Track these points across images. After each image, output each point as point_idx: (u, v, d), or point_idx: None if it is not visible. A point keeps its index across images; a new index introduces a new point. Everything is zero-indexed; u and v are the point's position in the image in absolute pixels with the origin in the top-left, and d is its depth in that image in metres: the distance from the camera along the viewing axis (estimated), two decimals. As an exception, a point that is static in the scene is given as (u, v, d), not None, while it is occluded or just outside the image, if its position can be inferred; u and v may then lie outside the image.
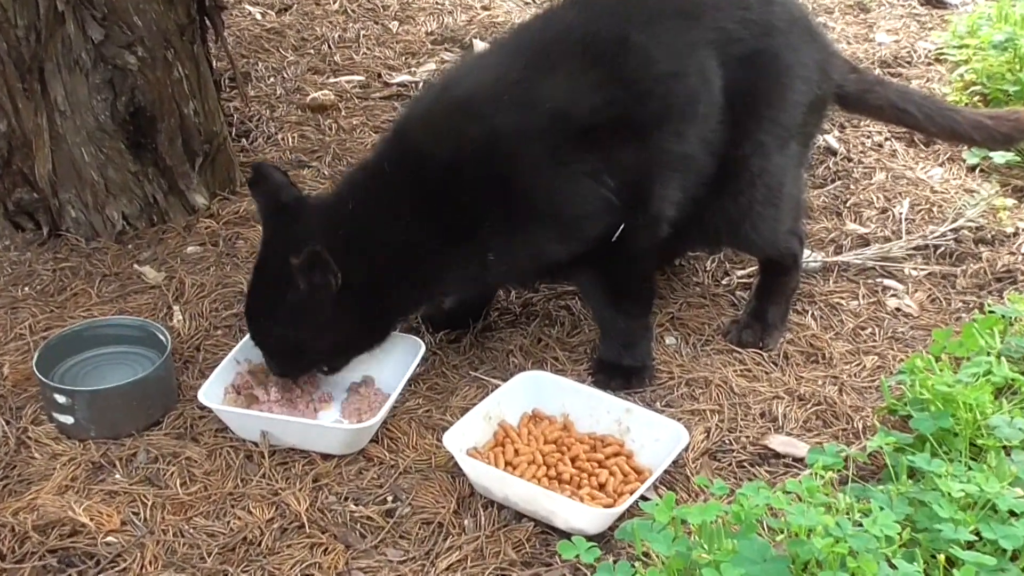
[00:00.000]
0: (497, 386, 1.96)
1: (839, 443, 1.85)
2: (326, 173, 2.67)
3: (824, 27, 2.98)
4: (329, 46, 3.32)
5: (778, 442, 1.91)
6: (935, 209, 2.52)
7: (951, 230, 2.44)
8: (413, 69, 3.19)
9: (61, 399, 1.90)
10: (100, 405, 1.90)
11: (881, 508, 1.54)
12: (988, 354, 1.93)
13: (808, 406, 1.99)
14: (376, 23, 3.47)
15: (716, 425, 1.94)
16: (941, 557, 1.49)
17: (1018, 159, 2.64)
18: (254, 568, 1.68)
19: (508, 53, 1.98)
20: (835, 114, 2.69)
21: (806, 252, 2.27)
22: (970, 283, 2.31)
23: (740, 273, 2.34)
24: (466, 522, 1.76)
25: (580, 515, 1.69)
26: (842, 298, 2.27)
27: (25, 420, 1.96)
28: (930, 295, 2.29)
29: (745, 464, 1.87)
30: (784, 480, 1.78)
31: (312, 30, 3.41)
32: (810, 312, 2.23)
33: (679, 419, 1.91)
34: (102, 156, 2.41)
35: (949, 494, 1.58)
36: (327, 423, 1.94)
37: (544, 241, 1.91)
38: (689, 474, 1.83)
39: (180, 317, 2.22)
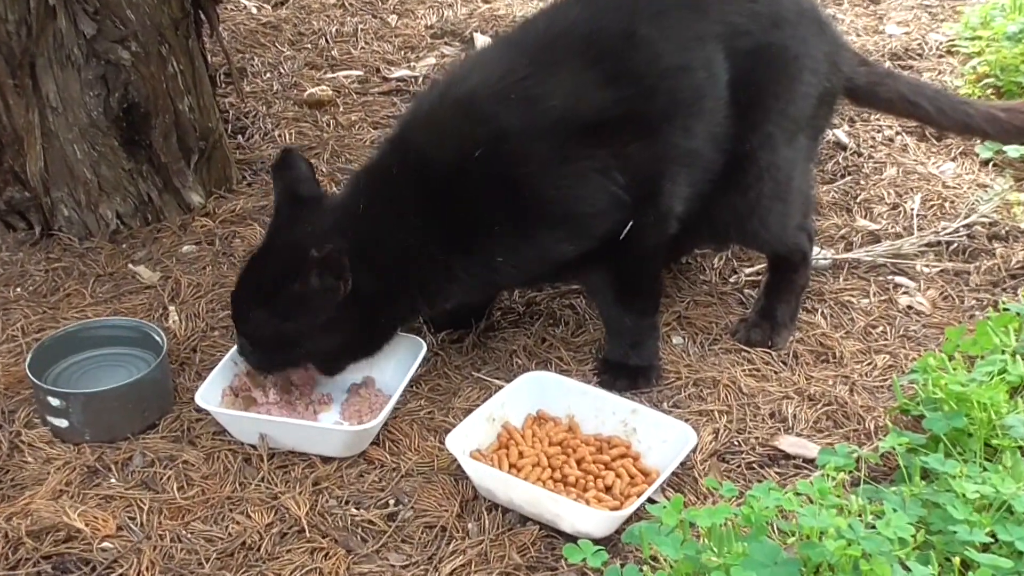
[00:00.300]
0: (500, 387, 1.94)
1: (850, 444, 1.83)
2: (324, 170, 2.64)
3: (833, 19, 2.95)
4: (326, 40, 3.30)
5: (788, 443, 1.88)
6: (947, 205, 2.50)
7: (964, 226, 2.42)
8: (412, 64, 3.16)
9: (55, 402, 1.87)
10: (95, 408, 1.88)
11: (894, 510, 1.52)
12: (1003, 352, 1.91)
13: (818, 406, 1.96)
14: (374, 17, 3.45)
15: (724, 426, 1.92)
16: (956, 560, 1.47)
17: (1032, 153, 2.61)
18: (253, 573, 1.66)
19: (513, 49, 1.96)
20: (845, 108, 2.68)
21: (815, 249, 2.25)
22: (984, 280, 2.28)
23: (748, 271, 2.31)
24: (470, 526, 1.73)
25: (586, 518, 1.67)
26: (852, 296, 2.24)
27: (18, 423, 1.94)
28: (943, 292, 2.26)
29: (754, 465, 1.85)
30: (794, 482, 1.76)
31: (309, 24, 3.39)
32: (820, 310, 2.20)
33: (686, 420, 1.88)
34: (95, 153, 2.39)
35: (964, 495, 1.57)
36: (327, 425, 1.91)
37: (553, 240, 1.89)
38: (697, 476, 1.81)
39: (176, 318, 2.19)
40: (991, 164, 2.64)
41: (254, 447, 1.87)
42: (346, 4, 3.50)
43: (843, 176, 2.63)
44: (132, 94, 2.36)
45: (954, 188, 2.55)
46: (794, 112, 2.00)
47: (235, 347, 1.98)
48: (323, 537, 1.71)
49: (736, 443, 1.89)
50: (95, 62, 2.32)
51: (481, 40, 3.25)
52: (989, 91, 2.88)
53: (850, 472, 1.64)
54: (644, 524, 1.56)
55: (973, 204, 2.48)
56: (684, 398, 1.99)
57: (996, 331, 1.96)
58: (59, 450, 1.88)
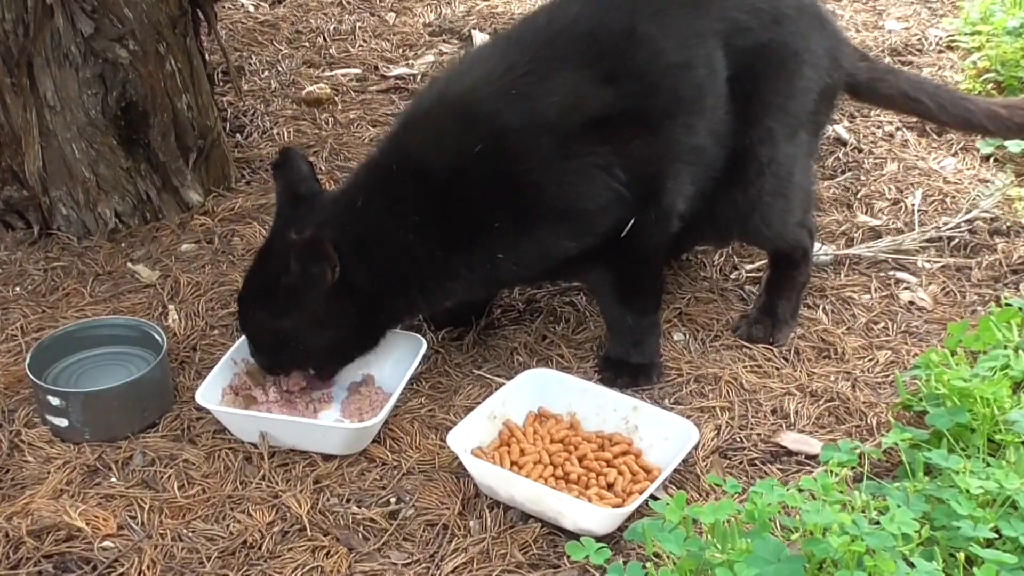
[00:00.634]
0: (501, 384, 1.94)
1: (852, 440, 1.82)
2: (323, 168, 2.63)
3: (832, 15, 2.94)
4: (324, 38, 3.29)
5: (790, 439, 1.88)
6: (948, 200, 2.49)
7: (965, 221, 2.41)
8: (411, 61, 3.16)
9: (55, 401, 1.87)
10: (95, 407, 1.87)
11: (898, 506, 1.51)
12: (1005, 348, 1.91)
13: (820, 402, 1.96)
14: (372, 15, 3.44)
15: (726, 422, 1.91)
16: (961, 555, 1.47)
17: (1033, 148, 2.61)
18: (255, 572, 1.65)
19: (513, 46, 1.95)
20: (845, 104, 2.67)
21: (816, 245, 2.24)
22: (985, 275, 2.28)
23: (749, 267, 2.31)
24: (471, 523, 1.72)
25: (588, 515, 1.66)
26: (854, 292, 2.24)
27: (18, 423, 1.93)
28: (944, 288, 2.25)
29: (756, 462, 1.84)
30: (796, 478, 1.76)
31: (307, 22, 3.38)
32: (821, 306, 2.20)
33: (688, 416, 1.88)
34: (93, 152, 2.38)
35: (967, 491, 1.56)
36: (328, 423, 1.91)
37: (555, 238, 1.88)
38: (699, 473, 1.80)
39: (176, 316, 2.18)
40: (992, 159, 2.64)
41: (255, 445, 1.87)
42: (344, 2, 3.50)
43: (844, 172, 2.62)
44: (130, 93, 2.36)
45: (955, 183, 2.55)
46: (795, 108, 1.99)
47: (235, 345, 1.98)
48: (324, 535, 1.70)
49: (738, 440, 1.88)
50: (93, 61, 2.31)
51: (479, 38, 3.24)
52: (990, 86, 2.88)
53: (853, 468, 1.64)
54: (647, 521, 1.55)
55: (974, 199, 2.47)
56: (685, 395, 1.98)
57: (999, 326, 1.95)
58: (59, 449, 1.87)
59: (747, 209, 2.01)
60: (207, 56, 2.68)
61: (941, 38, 3.18)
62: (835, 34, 2.12)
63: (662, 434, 1.82)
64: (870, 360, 2.05)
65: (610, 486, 1.75)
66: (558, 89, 1.84)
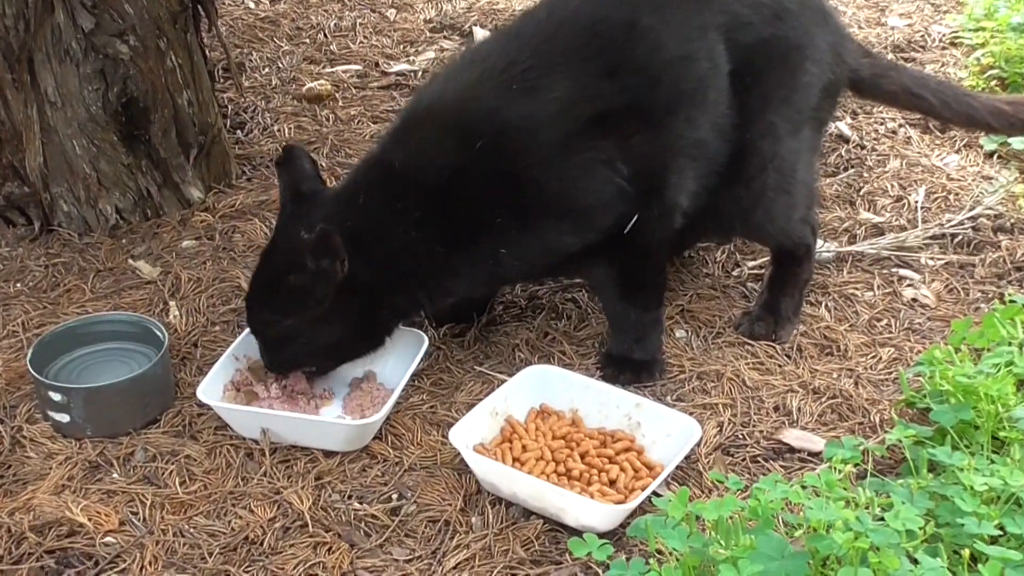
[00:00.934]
0: (503, 381, 1.93)
1: (856, 437, 1.82)
2: (324, 164, 2.63)
3: (835, 10, 2.94)
4: (325, 35, 3.29)
5: (793, 436, 1.87)
6: (952, 197, 2.49)
7: (968, 218, 2.41)
8: (412, 58, 3.15)
9: (57, 397, 1.86)
10: (97, 403, 1.87)
11: (902, 502, 1.50)
12: (1009, 344, 1.90)
13: (823, 399, 1.95)
14: (373, 11, 3.43)
15: (729, 419, 1.91)
16: (965, 552, 1.46)
17: (1037, 145, 2.60)
18: (256, 568, 1.65)
19: (514, 41, 1.94)
20: (848, 100, 2.66)
21: (819, 242, 2.24)
22: (989, 272, 2.28)
23: (751, 264, 2.30)
24: (473, 520, 1.72)
25: (591, 512, 1.66)
26: (857, 289, 2.23)
27: (20, 419, 1.93)
28: (947, 285, 2.25)
29: (759, 459, 1.84)
30: (799, 475, 1.76)
31: (307, 19, 3.37)
32: (824, 303, 2.19)
33: (690, 413, 1.87)
34: (94, 148, 2.37)
35: (971, 488, 1.55)
36: (330, 419, 1.91)
37: (557, 233, 1.87)
38: (701, 469, 1.80)
39: (176, 313, 2.18)
40: (995, 156, 2.63)
41: (256, 442, 1.86)
42: (344, -1, 3.50)
43: (846, 169, 2.62)
44: (131, 88, 2.35)
45: (958, 180, 2.54)
46: (798, 102, 1.99)
47: (236, 341, 1.97)
48: (326, 532, 1.70)
49: (740, 437, 1.88)
50: (93, 56, 2.30)
51: (480, 34, 3.24)
52: (993, 83, 2.87)
53: (856, 465, 1.63)
54: (649, 517, 1.55)
55: (978, 196, 2.47)
56: (688, 392, 1.98)
57: (1003, 323, 1.95)
58: (61, 445, 1.87)
59: (750, 205, 2.01)
60: (208, 52, 2.68)
61: (944, 34, 3.18)
62: (838, 29, 2.12)
63: (664, 431, 1.82)
64: (873, 357, 2.05)
65: (612, 483, 1.75)
66: (559, 84, 1.84)
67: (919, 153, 2.66)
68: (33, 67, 2.29)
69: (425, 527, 1.71)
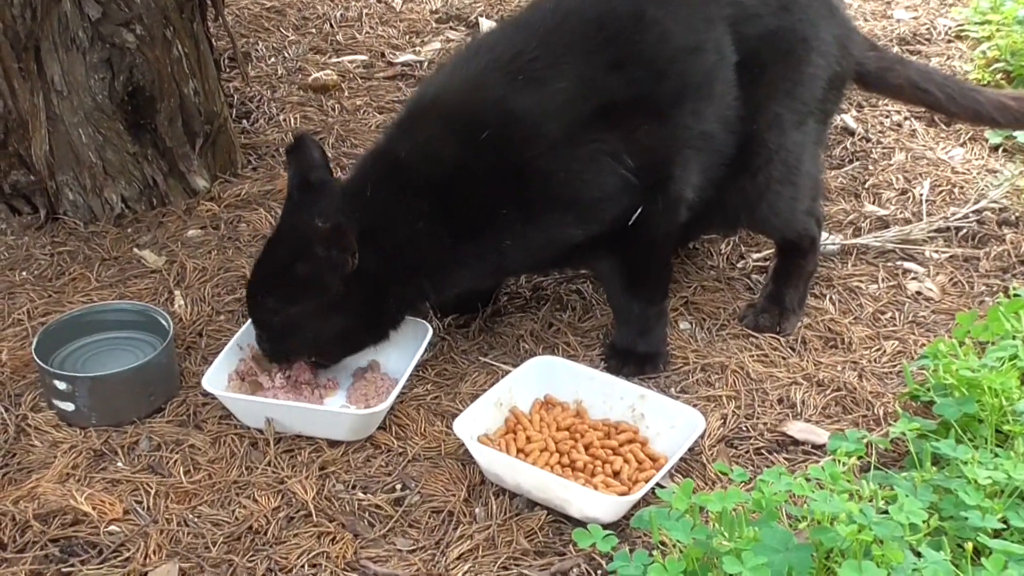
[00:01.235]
0: (507, 372, 1.93)
1: (859, 430, 1.81)
2: (330, 155, 2.62)
3: (842, 3, 2.93)
4: (331, 25, 3.28)
5: (796, 429, 1.87)
6: (957, 190, 2.49)
7: (973, 211, 2.40)
8: (418, 48, 3.15)
9: (61, 385, 1.86)
10: (101, 391, 1.87)
11: (906, 495, 1.50)
12: (1014, 338, 1.90)
13: (827, 392, 1.95)
14: (379, 1, 3.43)
15: (733, 411, 1.91)
16: (968, 545, 1.45)
17: (1042, 139, 2.60)
18: (260, 558, 1.65)
19: (521, 31, 1.94)
20: (853, 93, 2.66)
21: (824, 234, 2.24)
22: (993, 266, 2.27)
23: (756, 256, 2.30)
24: (477, 511, 1.72)
25: (595, 503, 1.66)
26: (861, 281, 2.23)
27: (24, 407, 1.93)
28: (952, 278, 2.25)
29: (763, 451, 1.84)
30: (803, 468, 1.76)
31: (313, 9, 3.37)
32: (828, 296, 2.19)
33: (695, 405, 1.87)
34: (100, 137, 2.37)
35: (975, 481, 1.56)
36: (334, 409, 1.91)
37: (562, 225, 1.87)
38: (705, 461, 1.80)
39: (181, 302, 2.18)
40: (1001, 149, 2.63)
41: (260, 431, 1.87)
42: (351, -12, 3.49)
43: (851, 161, 2.61)
44: (137, 77, 2.35)
45: (963, 174, 2.54)
46: (804, 94, 1.99)
47: (241, 331, 1.97)
48: (330, 521, 1.70)
49: (744, 429, 1.88)
50: (100, 45, 2.30)
51: (486, 24, 3.23)
52: (999, 76, 2.87)
53: (860, 458, 1.63)
54: (653, 509, 1.55)
55: (983, 190, 2.46)
56: (692, 383, 1.98)
57: (1007, 317, 1.94)
58: (65, 434, 1.87)
59: (755, 197, 2.01)
60: (214, 42, 2.68)
61: (950, 27, 3.17)
62: (844, 22, 2.12)
63: (668, 422, 1.82)
64: (877, 350, 2.05)
65: (616, 474, 1.75)
66: (565, 75, 1.83)
67: (924, 146, 2.65)
68: (40, 56, 2.29)
69: (429, 517, 1.71)
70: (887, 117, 2.77)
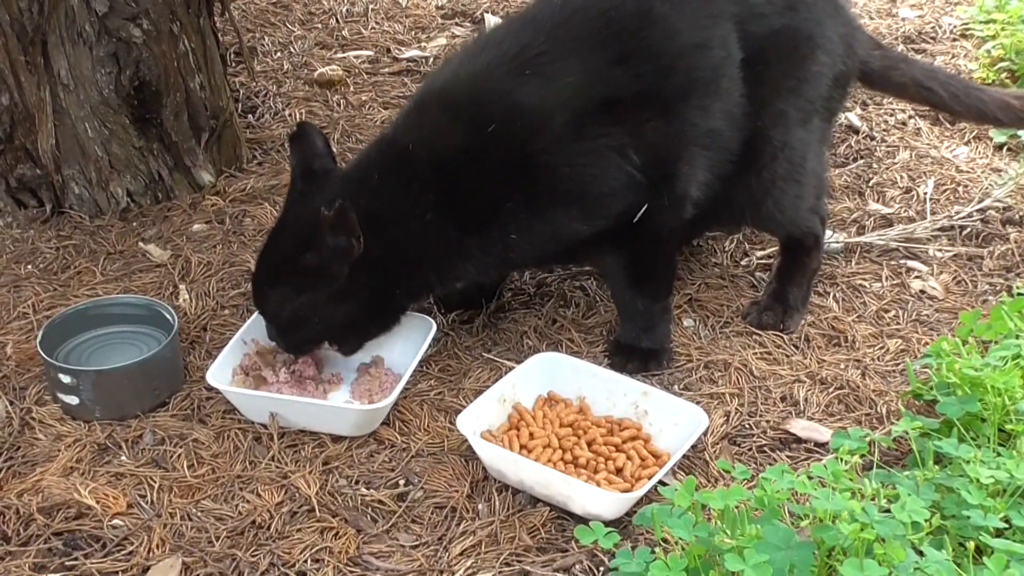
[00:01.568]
0: (511, 368, 1.93)
1: (862, 428, 1.82)
2: (335, 150, 2.62)
3: (847, 1, 2.93)
4: (337, 20, 3.28)
5: (799, 427, 1.87)
6: (961, 189, 2.49)
7: (977, 210, 2.40)
8: (423, 44, 3.15)
9: (66, 379, 1.87)
10: (106, 385, 1.88)
11: (908, 494, 1.50)
12: (1017, 337, 1.89)
13: (830, 390, 1.95)
14: (385, -3, 3.43)
15: (736, 409, 1.91)
16: (971, 544, 1.46)
17: (1045, 138, 2.60)
18: (263, 552, 1.65)
19: (528, 26, 1.94)
20: (857, 91, 2.65)
21: (828, 232, 2.24)
22: (997, 265, 2.27)
23: (760, 254, 2.30)
24: (480, 507, 1.72)
25: (597, 500, 1.66)
26: (865, 280, 2.23)
27: (29, 400, 1.94)
28: (955, 277, 2.25)
29: (766, 449, 1.84)
30: (805, 466, 1.76)
31: (319, 4, 3.37)
32: (832, 294, 2.19)
33: (698, 402, 1.87)
34: (106, 131, 2.38)
35: (978, 480, 1.55)
36: (338, 404, 1.91)
37: (567, 219, 1.87)
38: (708, 459, 1.80)
39: (186, 296, 2.18)
40: (1005, 148, 2.63)
41: (264, 426, 1.87)
42: (356, -16, 3.49)
43: (856, 160, 2.61)
44: (143, 72, 2.35)
45: (968, 172, 2.54)
46: (809, 92, 1.98)
47: (245, 325, 1.98)
48: (333, 516, 1.70)
49: (747, 426, 1.88)
50: (107, 40, 2.31)
51: (492, 20, 3.23)
52: (1004, 75, 2.86)
53: (862, 456, 1.63)
54: (656, 506, 1.55)
55: (987, 188, 2.46)
56: (695, 381, 1.98)
57: (1010, 315, 1.94)
58: (69, 427, 1.87)
59: (760, 194, 2.01)
60: (220, 36, 2.68)
61: (955, 26, 3.16)
62: (849, 20, 2.11)
63: (671, 419, 1.82)
64: (880, 348, 2.05)
65: (619, 471, 1.75)
66: (572, 69, 1.83)
67: (929, 145, 2.65)
68: (46, 50, 2.29)
69: (432, 513, 1.71)
70: (892, 115, 2.77)
